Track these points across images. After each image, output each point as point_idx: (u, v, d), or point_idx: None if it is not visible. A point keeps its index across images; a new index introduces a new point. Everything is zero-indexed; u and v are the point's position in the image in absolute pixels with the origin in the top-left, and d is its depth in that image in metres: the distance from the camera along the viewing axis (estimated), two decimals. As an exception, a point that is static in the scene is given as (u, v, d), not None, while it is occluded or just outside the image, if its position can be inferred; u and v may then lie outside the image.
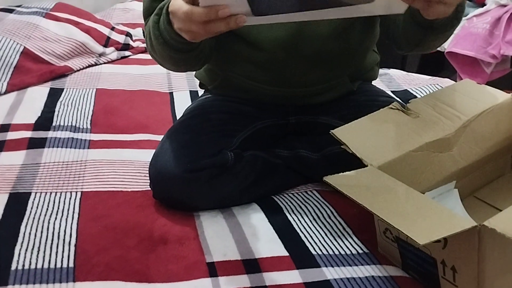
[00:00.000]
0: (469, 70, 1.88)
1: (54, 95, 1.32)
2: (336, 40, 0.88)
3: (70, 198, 0.90)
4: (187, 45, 0.75)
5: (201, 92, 1.10)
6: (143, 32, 1.74)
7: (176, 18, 0.67)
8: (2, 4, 1.76)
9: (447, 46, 1.91)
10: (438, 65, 2.17)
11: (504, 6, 1.82)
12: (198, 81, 1.06)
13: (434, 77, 1.40)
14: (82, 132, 1.13)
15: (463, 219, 0.62)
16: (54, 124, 1.16)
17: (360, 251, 0.78)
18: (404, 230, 0.58)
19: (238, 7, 0.62)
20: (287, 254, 0.77)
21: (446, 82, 1.35)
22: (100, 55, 1.57)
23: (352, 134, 0.78)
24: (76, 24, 1.59)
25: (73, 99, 1.30)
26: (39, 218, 0.84)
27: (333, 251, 0.78)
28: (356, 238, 0.81)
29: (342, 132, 0.78)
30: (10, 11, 1.60)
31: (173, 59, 0.81)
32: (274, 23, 0.67)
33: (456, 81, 1.40)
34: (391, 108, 0.84)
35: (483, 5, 1.93)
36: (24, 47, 1.43)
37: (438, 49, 1.94)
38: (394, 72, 1.45)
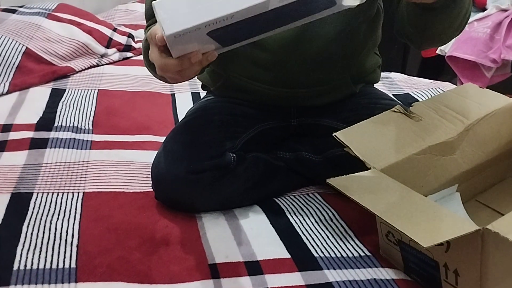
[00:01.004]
0: (470, 74, 1.89)
1: (56, 96, 1.32)
2: (339, 41, 0.88)
3: (72, 199, 0.90)
4: None
5: (203, 93, 1.11)
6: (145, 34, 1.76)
7: (156, 66, 0.70)
8: (4, 5, 1.77)
9: (448, 50, 1.91)
10: (438, 69, 2.18)
11: (505, 10, 1.83)
12: (200, 83, 1.06)
13: (436, 81, 1.40)
14: (84, 132, 1.13)
15: (466, 222, 0.62)
16: (56, 124, 1.16)
17: (362, 254, 0.78)
18: (407, 232, 0.58)
19: (207, 45, 0.64)
20: (289, 256, 0.77)
21: (448, 86, 1.35)
22: (102, 56, 1.58)
23: (355, 137, 0.78)
24: (78, 25, 1.59)
25: (75, 100, 1.30)
26: (41, 219, 0.84)
27: (335, 254, 0.78)
28: (358, 240, 0.81)
29: (345, 135, 0.79)
30: (12, 11, 1.60)
31: (170, 78, 0.83)
32: None
33: (456, 85, 1.41)
34: (394, 111, 0.84)
35: (484, 9, 1.93)
36: (26, 47, 1.43)
37: (438, 52, 1.94)
38: (395, 76, 1.45)
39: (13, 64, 1.39)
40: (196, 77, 1.09)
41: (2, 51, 1.40)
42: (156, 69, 0.71)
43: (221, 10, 0.55)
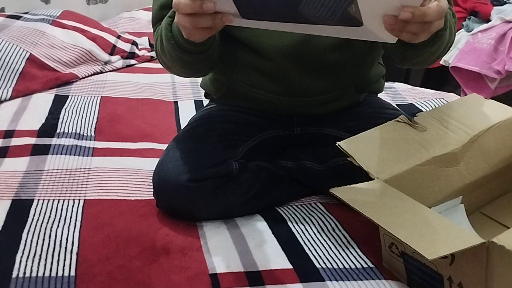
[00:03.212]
0: (474, 85, 1.88)
1: (59, 102, 1.32)
2: (342, 50, 0.88)
3: (72, 206, 0.89)
4: (196, 46, 0.76)
5: (206, 101, 1.10)
6: (149, 41, 1.77)
7: (177, 14, 0.69)
8: (9, 11, 1.77)
9: (452, 61, 1.91)
10: (442, 79, 2.18)
11: (509, 22, 1.83)
12: (203, 91, 1.06)
13: (440, 92, 1.39)
14: (86, 139, 1.13)
15: (472, 235, 0.61)
16: (58, 131, 1.16)
17: (365, 265, 0.77)
18: (412, 244, 0.57)
19: (225, 7, 0.64)
20: (291, 267, 0.77)
21: (452, 96, 1.34)
22: (106, 63, 1.58)
23: (358, 147, 0.78)
24: (82, 32, 1.60)
25: (77, 107, 1.30)
26: (41, 226, 0.84)
27: (337, 265, 0.77)
28: (360, 251, 0.80)
29: (349, 144, 0.78)
30: (17, 17, 1.61)
31: (183, 60, 0.82)
32: (280, 32, 0.68)
33: (460, 96, 1.40)
34: (398, 121, 0.83)
35: (488, 20, 1.94)
36: (30, 53, 1.44)
37: (442, 63, 1.94)
38: (399, 86, 1.44)
39: (17, 70, 1.39)
40: (199, 85, 1.09)
41: (6, 57, 1.40)
42: (175, 18, 0.69)
43: None
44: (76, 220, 0.86)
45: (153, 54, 1.66)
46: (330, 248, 0.81)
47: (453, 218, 0.80)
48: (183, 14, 0.66)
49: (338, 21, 0.64)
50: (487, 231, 0.82)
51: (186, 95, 1.40)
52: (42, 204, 0.89)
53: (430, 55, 0.80)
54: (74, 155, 1.06)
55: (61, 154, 1.06)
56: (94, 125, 1.20)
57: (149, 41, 1.77)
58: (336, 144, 0.78)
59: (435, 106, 1.27)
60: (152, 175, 0.89)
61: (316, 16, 0.64)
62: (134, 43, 1.70)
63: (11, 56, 1.41)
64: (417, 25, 0.62)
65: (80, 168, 1.01)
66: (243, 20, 0.66)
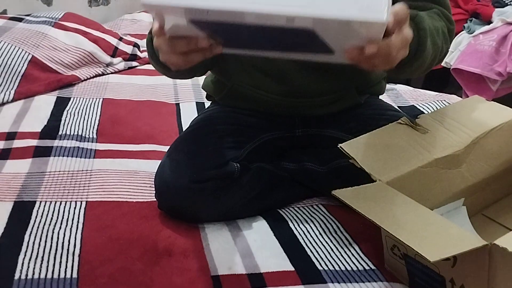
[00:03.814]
0: (475, 87, 1.88)
1: (61, 104, 1.32)
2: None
3: (75, 208, 0.89)
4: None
5: (207, 103, 1.11)
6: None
7: (160, 52, 0.69)
8: (11, 13, 1.78)
9: (453, 62, 1.91)
10: (443, 81, 2.18)
11: (511, 24, 1.83)
12: (205, 93, 1.06)
13: (441, 93, 1.39)
14: (88, 141, 1.13)
15: (474, 237, 0.61)
16: (60, 133, 1.16)
17: (367, 267, 0.77)
18: (413, 246, 0.57)
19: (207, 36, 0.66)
20: (292, 269, 0.76)
21: (453, 98, 1.34)
22: (108, 65, 1.58)
23: (360, 149, 0.78)
24: (84, 34, 1.60)
25: (79, 108, 1.30)
26: (43, 227, 0.84)
27: (339, 267, 0.77)
28: (362, 254, 0.80)
29: (350, 146, 0.78)
30: (19, 20, 1.61)
31: (171, 74, 0.86)
32: None
33: (461, 98, 1.40)
34: (400, 123, 0.83)
35: (490, 22, 1.94)
36: (32, 55, 1.44)
37: (444, 65, 1.94)
38: (401, 88, 1.44)
39: (19, 72, 1.40)
40: (200, 87, 1.09)
41: (8, 59, 1.41)
42: (160, 55, 0.70)
43: (196, 2, 0.56)
44: (78, 222, 0.86)
45: (154, 56, 1.67)
46: (332, 250, 0.81)
47: (455, 220, 0.80)
48: (177, 53, 0.66)
49: (312, 50, 0.66)
50: (489, 233, 0.81)
51: (188, 97, 1.40)
52: (44, 206, 0.90)
53: (414, 72, 0.79)
54: (76, 157, 1.06)
55: (63, 156, 1.06)
56: (96, 127, 1.20)
57: (150, 43, 1.77)
58: (338, 146, 0.78)
59: (436, 108, 1.27)
60: (153, 177, 0.89)
61: (291, 47, 0.66)
62: (136, 45, 1.70)
63: (13, 58, 1.41)
64: (379, 58, 0.63)
65: (82, 170, 1.01)
66: (224, 49, 0.68)
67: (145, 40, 1.81)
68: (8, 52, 1.42)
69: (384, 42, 0.61)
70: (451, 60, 1.93)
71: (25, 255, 0.77)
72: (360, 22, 0.55)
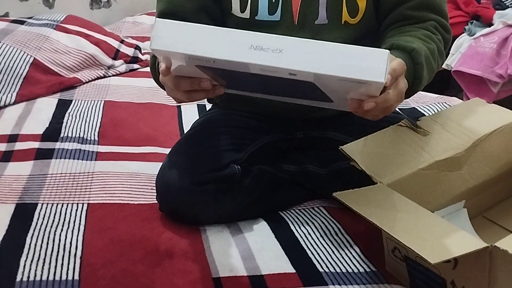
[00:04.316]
0: (476, 89, 1.88)
1: (62, 107, 1.32)
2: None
3: (76, 210, 0.90)
4: None
5: (208, 106, 1.11)
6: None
7: (166, 87, 0.73)
8: (13, 16, 1.79)
9: (454, 65, 1.91)
10: (444, 83, 2.17)
11: (511, 26, 1.83)
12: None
13: (442, 96, 1.39)
14: (89, 143, 1.13)
15: (475, 239, 0.61)
16: (62, 135, 1.16)
17: (368, 270, 0.77)
18: (414, 248, 0.57)
19: (216, 82, 0.69)
20: (294, 271, 0.77)
21: (454, 100, 1.34)
22: (109, 67, 1.59)
23: (361, 151, 0.78)
24: (86, 36, 1.61)
25: (81, 111, 1.30)
26: (45, 230, 0.84)
27: (340, 269, 0.77)
28: (363, 256, 0.80)
29: (351, 148, 0.78)
30: (21, 22, 1.62)
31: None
32: None
33: (462, 100, 1.40)
34: (401, 125, 0.84)
35: (491, 25, 1.94)
36: (34, 58, 1.44)
37: (444, 67, 1.94)
38: (401, 90, 1.44)
39: (21, 74, 1.40)
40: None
41: (10, 62, 1.41)
42: (166, 89, 0.73)
43: (203, 51, 0.58)
44: (79, 224, 0.86)
45: (156, 58, 1.67)
46: (333, 252, 0.81)
47: (456, 222, 0.80)
48: (181, 91, 0.69)
49: (312, 98, 0.70)
50: (490, 235, 0.81)
51: (189, 99, 1.40)
52: (46, 208, 0.90)
53: (409, 96, 0.82)
54: (78, 159, 1.06)
55: (65, 158, 1.06)
56: (97, 129, 1.21)
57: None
58: (339, 148, 0.79)
59: (437, 110, 1.27)
60: (155, 179, 0.89)
61: (292, 94, 0.70)
62: (137, 48, 1.70)
63: (15, 61, 1.42)
64: (377, 110, 0.67)
65: (84, 172, 1.01)
66: (227, 90, 0.71)
67: (146, 42, 1.82)
68: (10, 54, 1.42)
69: (382, 97, 0.64)
70: (452, 62, 1.93)
71: (26, 257, 0.77)
72: (359, 81, 0.57)
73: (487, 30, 1.89)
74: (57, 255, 0.78)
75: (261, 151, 0.94)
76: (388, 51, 0.58)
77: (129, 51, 1.67)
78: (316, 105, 0.74)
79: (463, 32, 2.00)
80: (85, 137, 1.16)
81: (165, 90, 0.86)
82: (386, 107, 0.67)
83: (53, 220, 0.86)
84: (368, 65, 0.56)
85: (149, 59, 1.78)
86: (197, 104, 1.37)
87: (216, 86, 0.69)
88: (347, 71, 0.57)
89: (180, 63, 0.63)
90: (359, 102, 0.65)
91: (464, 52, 1.91)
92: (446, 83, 2.17)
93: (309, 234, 0.85)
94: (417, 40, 0.80)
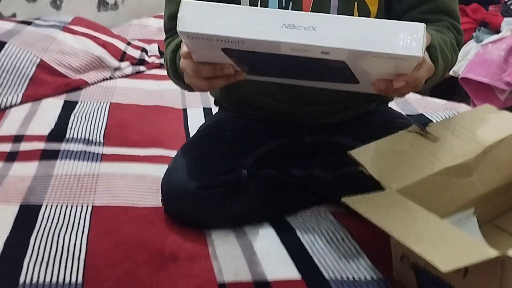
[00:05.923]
0: (483, 96, 1.87)
1: (68, 108, 1.32)
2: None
3: (81, 212, 0.89)
4: None
5: (215, 109, 1.10)
6: (159, 48, 1.77)
7: (185, 74, 0.72)
8: (20, 17, 1.79)
9: (461, 71, 1.90)
10: (451, 90, 2.16)
11: (520, 33, 1.82)
12: (213, 98, 1.06)
13: (450, 102, 1.38)
14: (95, 145, 1.13)
15: (487, 247, 0.60)
16: (67, 136, 1.16)
17: (375, 277, 0.76)
18: (426, 256, 0.56)
19: (237, 67, 0.68)
20: (300, 277, 0.76)
21: (462, 107, 1.33)
22: (116, 69, 1.58)
23: (369, 156, 0.77)
24: (92, 38, 1.61)
25: (87, 112, 1.30)
26: (49, 231, 0.83)
27: (347, 276, 0.76)
28: (370, 263, 0.79)
29: (360, 153, 0.77)
30: (28, 23, 1.62)
31: (189, 88, 0.85)
32: None
33: (470, 106, 1.39)
34: (410, 131, 0.83)
35: (498, 31, 1.93)
36: (41, 59, 1.44)
37: (451, 74, 1.93)
38: (409, 96, 1.43)
39: (27, 75, 1.40)
40: (208, 92, 1.09)
41: (16, 63, 1.41)
42: (185, 78, 0.72)
43: (233, 32, 0.56)
44: (84, 226, 0.85)
45: (162, 61, 1.67)
46: (340, 258, 0.80)
47: (465, 230, 0.79)
48: (202, 78, 0.68)
49: (337, 80, 0.68)
50: (500, 243, 0.80)
51: (195, 102, 1.40)
52: (51, 209, 0.89)
53: (426, 86, 0.80)
54: (83, 160, 1.06)
55: (70, 159, 1.06)
56: (103, 131, 1.20)
57: (158, 48, 1.77)
58: (347, 153, 0.78)
59: (445, 117, 1.26)
60: (160, 182, 0.88)
61: (317, 76, 0.68)
62: (143, 50, 1.70)
63: (21, 62, 1.42)
64: (407, 87, 0.65)
65: (89, 174, 1.01)
66: (249, 76, 0.70)
67: (153, 45, 1.82)
68: (16, 55, 1.43)
69: (414, 73, 0.63)
70: (459, 69, 1.92)
71: (30, 259, 0.77)
72: (396, 56, 0.55)
73: (495, 37, 1.88)
74: (61, 257, 0.78)
75: (268, 155, 0.93)
76: (424, 24, 0.56)
77: (136, 54, 1.66)
78: (339, 88, 0.71)
79: (471, 39, 1.99)
80: (90, 138, 1.16)
81: (180, 86, 0.86)
82: (416, 85, 0.66)
83: (57, 222, 0.86)
84: (404, 40, 0.54)
85: (155, 61, 1.78)
86: (203, 108, 1.36)
87: (238, 72, 0.67)
88: (383, 46, 0.54)
89: (205, 47, 0.60)
90: (386, 82, 0.63)
91: (471, 59, 1.90)
92: (453, 90, 2.15)
93: (316, 239, 0.84)
94: (429, 29, 0.79)
